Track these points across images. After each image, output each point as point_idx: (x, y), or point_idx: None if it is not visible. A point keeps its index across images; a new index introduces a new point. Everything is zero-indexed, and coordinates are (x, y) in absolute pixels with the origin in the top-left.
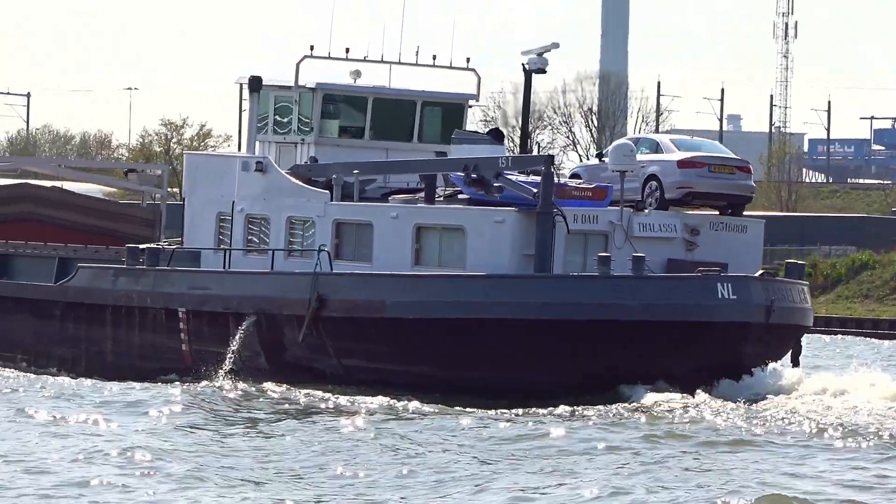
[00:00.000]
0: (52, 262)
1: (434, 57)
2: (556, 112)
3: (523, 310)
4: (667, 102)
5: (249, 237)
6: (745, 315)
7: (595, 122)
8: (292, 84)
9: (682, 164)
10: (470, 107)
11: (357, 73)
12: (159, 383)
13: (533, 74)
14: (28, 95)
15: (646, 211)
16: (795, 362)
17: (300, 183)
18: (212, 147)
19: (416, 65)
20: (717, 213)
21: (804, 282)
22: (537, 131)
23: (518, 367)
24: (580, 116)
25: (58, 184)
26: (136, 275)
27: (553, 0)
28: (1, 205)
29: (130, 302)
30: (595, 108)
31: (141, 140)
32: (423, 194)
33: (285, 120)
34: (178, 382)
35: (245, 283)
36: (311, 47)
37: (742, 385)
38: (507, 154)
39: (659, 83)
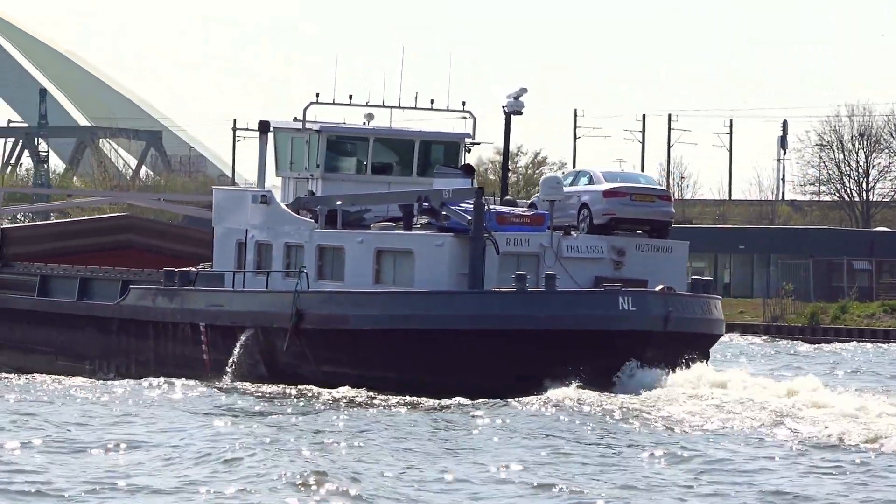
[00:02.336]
0: (117, 284)
1: (432, 101)
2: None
3: (454, 321)
4: None
5: (258, 260)
6: (643, 324)
7: None
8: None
9: (606, 193)
10: (466, 145)
11: (370, 117)
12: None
13: (511, 116)
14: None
15: (574, 234)
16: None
17: (292, 213)
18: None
19: (416, 108)
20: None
21: (713, 296)
22: (874, 154)
23: (454, 371)
24: None
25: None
26: (170, 294)
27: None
28: (106, 234)
29: (165, 318)
30: None
31: (477, 168)
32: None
33: (298, 158)
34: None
35: (246, 301)
36: (317, 94)
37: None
38: (474, 186)
39: None
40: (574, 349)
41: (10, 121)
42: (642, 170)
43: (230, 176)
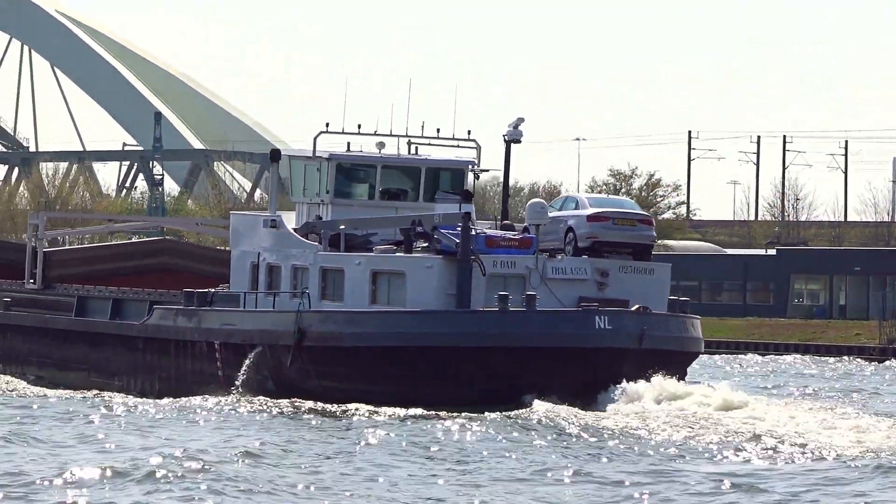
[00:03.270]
0: (146, 304)
1: (438, 130)
2: None
3: (440, 338)
4: None
5: (269, 281)
6: (618, 341)
7: None
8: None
9: (590, 218)
10: (475, 171)
11: (381, 145)
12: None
13: (511, 144)
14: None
15: (559, 257)
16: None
17: (298, 236)
18: (660, 197)
19: (423, 137)
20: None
21: (690, 315)
22: None
23: (439, 386)
24: None
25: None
26: (188, 314)
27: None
28: (142, 257)
29: (184, 336)
30: None
31: (589, 189)
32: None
33: (310, 184)
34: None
35: (255, 320)
36: (327, 124)
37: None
38: (473, 211)
39: None
40: (552, 365)
41: (125, 144)
42: (756, 192)
43: None
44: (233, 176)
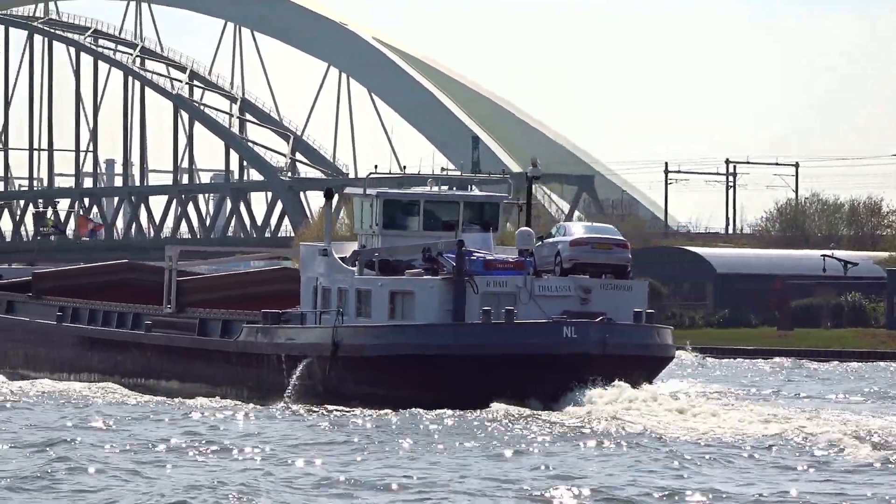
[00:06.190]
0: (242, 324)
1: (474, 170)
2: None
3: (434, 347)
4: None
5: (323, 301)
6: (582, 348)
7: None
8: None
9: (572, 243)
10: (516, 202)
11: (431, 182)
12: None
13: (533, 180)
14: (796, 165)
15: (546, 276)
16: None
17: (342, 263)
18: None
19: (462, 176)
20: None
21: (658, 325)
22: None
23: (436, 389)
24: None
25: None
26: (264, 332)
27: None
28: (264, 284)
29: (261, 350)
30: None
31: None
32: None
33: (365, 218)
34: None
35: (306, 335)
36: (375, 166)
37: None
38: (491, 241)
39: None
40: (526, 370)
41: (443, 168)
42: None
43: (662, 218)
44: (550, 198)
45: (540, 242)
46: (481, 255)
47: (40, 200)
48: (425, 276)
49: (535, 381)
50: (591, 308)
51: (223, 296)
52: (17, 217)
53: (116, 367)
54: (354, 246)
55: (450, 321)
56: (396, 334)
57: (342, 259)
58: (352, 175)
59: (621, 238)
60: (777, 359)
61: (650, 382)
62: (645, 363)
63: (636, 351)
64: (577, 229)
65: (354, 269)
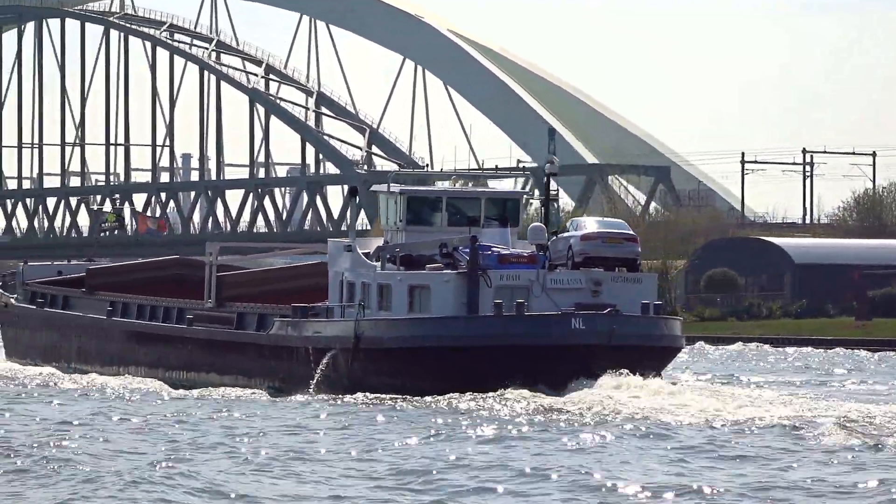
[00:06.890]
0: (276, 318)
1: (496, 166)
2: None
3: (450, 339)
4: None
5: (348, 295)
6: (590, 339)
7: None
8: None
9: (583, 237)
10: (527, 200)
11: (456, 179)
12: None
13: (550, 176)
14: (874, 155)
15: (558, 270)
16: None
17: (364, 258)
18: None
19: (483, 171)
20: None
21: (667, 316)
22: None
23: (455, 379)
24: None
25: None
26: (294, 325)
27: None
28: (302, 278)
29: (291, 343)
30: None
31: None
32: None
33: (391, 214)
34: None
35: (330, 328)
36: (400, 165)
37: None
38: (509, 235)
39: None
40: (536, 360)
41: (518, 161)
42: None
43: (739, 209)
44: (627, 189)
45: (555, 237)
46: (497, 249)
47: (116, 196)
48: (441, 271)
49: (545, 370)
50: (602, 300)
51: (262, 290)
52: (94, 213)
53: (160, 361)
54: (380, 242)
55: (464, 314)
56: (414, 327)
57: (367, 255)
58: (428, 168)
59: (631, 233)
60: (860, 351)
61: (659, 373)
62: (652, 354)
63: (643, 341)
64: (589, 224)
65: (377, 264)
